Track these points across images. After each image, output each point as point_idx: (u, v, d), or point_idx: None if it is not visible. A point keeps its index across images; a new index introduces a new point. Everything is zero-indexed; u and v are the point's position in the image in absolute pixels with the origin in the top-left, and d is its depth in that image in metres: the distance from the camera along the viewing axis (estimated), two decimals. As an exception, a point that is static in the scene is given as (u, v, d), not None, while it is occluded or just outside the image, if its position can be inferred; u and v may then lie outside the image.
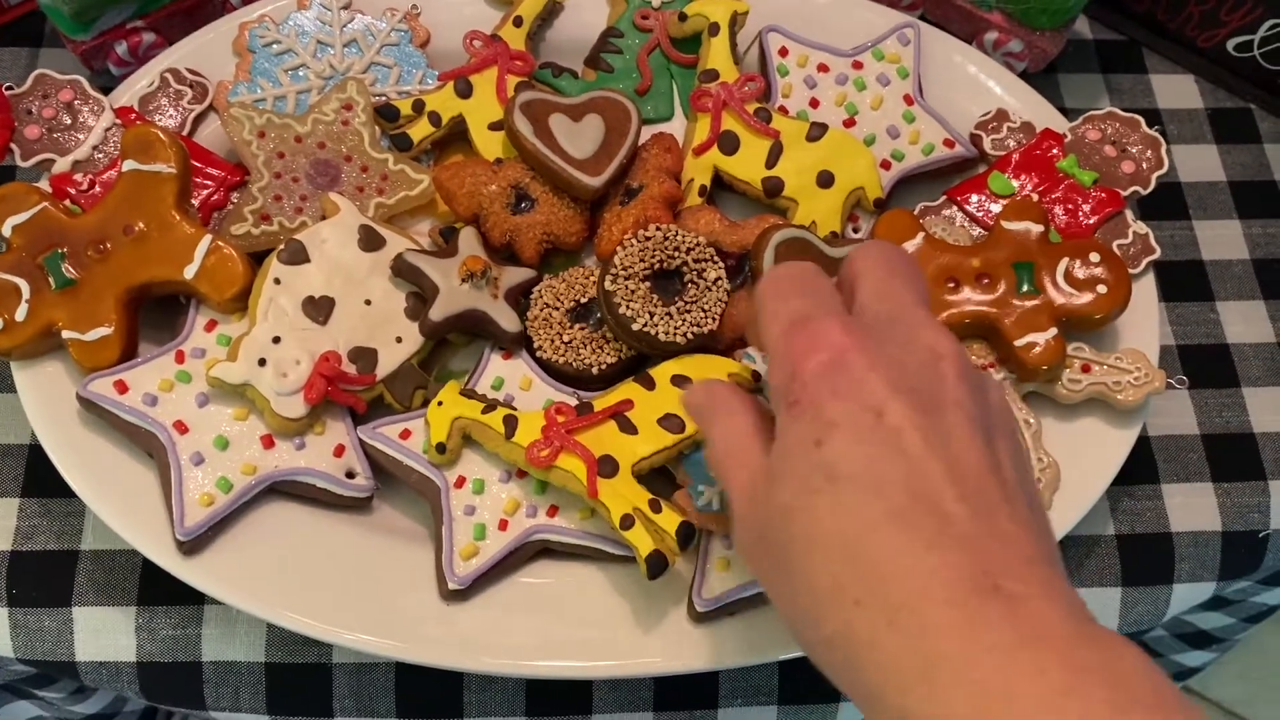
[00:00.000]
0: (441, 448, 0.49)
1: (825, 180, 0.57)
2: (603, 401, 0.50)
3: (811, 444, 0.32)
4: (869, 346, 0.33)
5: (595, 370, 0.53)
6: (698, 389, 0.42)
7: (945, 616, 0.29)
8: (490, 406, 0.50)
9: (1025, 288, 0.54)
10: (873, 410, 0.32)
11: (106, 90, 0.56)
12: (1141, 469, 0.58)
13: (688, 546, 0.47)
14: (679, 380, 0.51)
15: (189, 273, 0.50)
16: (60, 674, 0.52)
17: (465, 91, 0.58)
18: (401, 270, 0.52)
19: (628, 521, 0.47)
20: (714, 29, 0.59)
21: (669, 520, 0.47)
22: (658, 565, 0.46)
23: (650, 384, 0.51)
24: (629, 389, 0.51)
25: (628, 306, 0.51)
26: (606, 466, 0.48)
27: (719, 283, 0.52)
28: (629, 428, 0.49)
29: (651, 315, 0.51)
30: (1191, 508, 0.57)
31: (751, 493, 0.36)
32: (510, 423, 0.49)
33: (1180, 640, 0.69)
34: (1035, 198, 0.57)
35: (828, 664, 0.32)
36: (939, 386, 0.33)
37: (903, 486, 0.31)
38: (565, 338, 0.53)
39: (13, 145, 0.53)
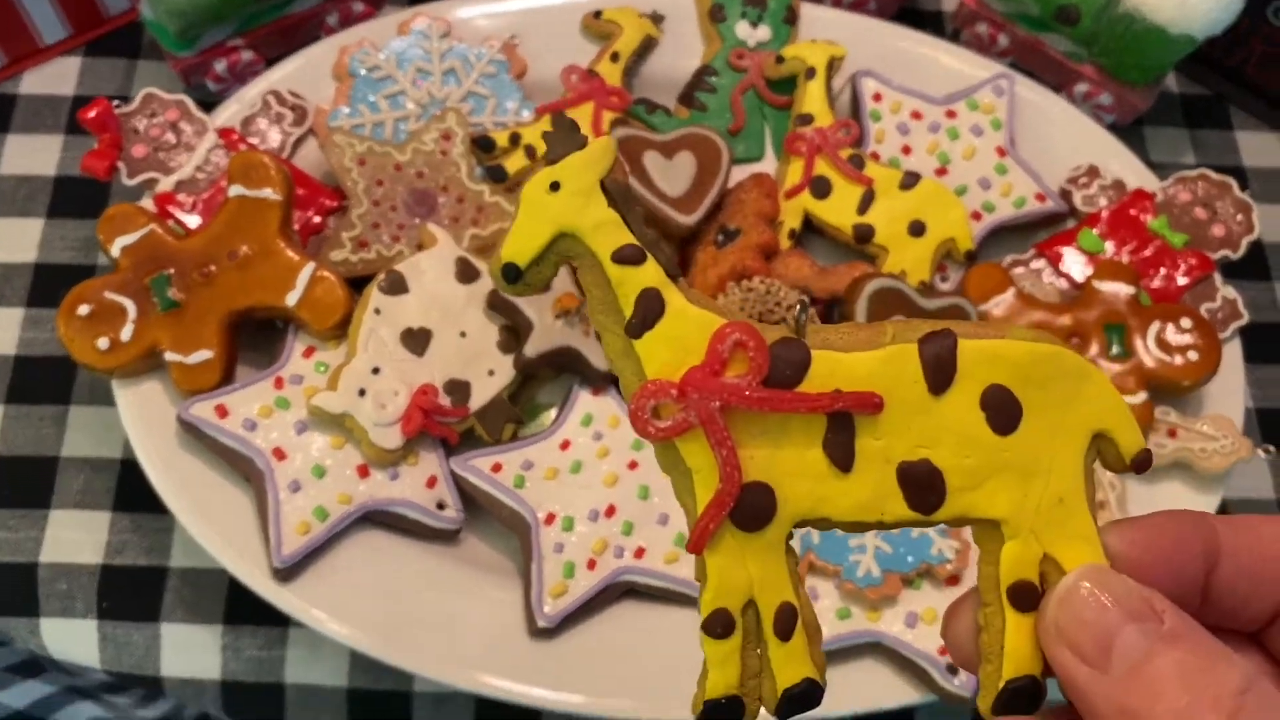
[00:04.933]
0: (514, 272, 0.27)
1: (916, 229, 0.57)
2: (820, 374, 0.25)
3: None
4: None
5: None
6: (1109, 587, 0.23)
7: None
8: (637, 254, 0.26)
9: (1116, 350, 0.54)
10: None
11: (204, 105, 0.57)
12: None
13: (789, 716, 0.27)
14: (1003, 408, 0.26)
15: (291, 300, 0.51)
16: (144, 688, 0.53)
17: (561, 125, 0.58)
18: (497, 305, 0.53)
19: (717, 624, 0.26)
20: (810, 73, 0.59)
21: (786, 662, 0.26)
22: (717, 715, 0.26)
23: (944, 377, 0.26)
24: (889, 367, 0.26)
25: (722, 352, 0.51)
26: (747, 508, 0.25)
27: None
28: (843, 452, 0.26)
29: (744, 362, 0.51)
30: (1266, 573, 0.57)
31: None
32: (650, 306, 0.26)
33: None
34: (1125, 258, 0.57)
35: None
36: None
37: None
38: (655, 377, 0.53)
39: (119, 163, 0.54)
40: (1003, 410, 0.25)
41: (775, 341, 0.26)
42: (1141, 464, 0.26)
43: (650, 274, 0.26)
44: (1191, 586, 0.24)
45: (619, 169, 0.27)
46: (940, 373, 0.25)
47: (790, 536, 0.26)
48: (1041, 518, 0.25)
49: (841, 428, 0.25)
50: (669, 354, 0.26)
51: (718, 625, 0.26)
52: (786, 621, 0.26)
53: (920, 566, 0.49)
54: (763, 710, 0.27)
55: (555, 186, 0.26)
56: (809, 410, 0.25)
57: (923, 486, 0.25)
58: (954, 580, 0.50)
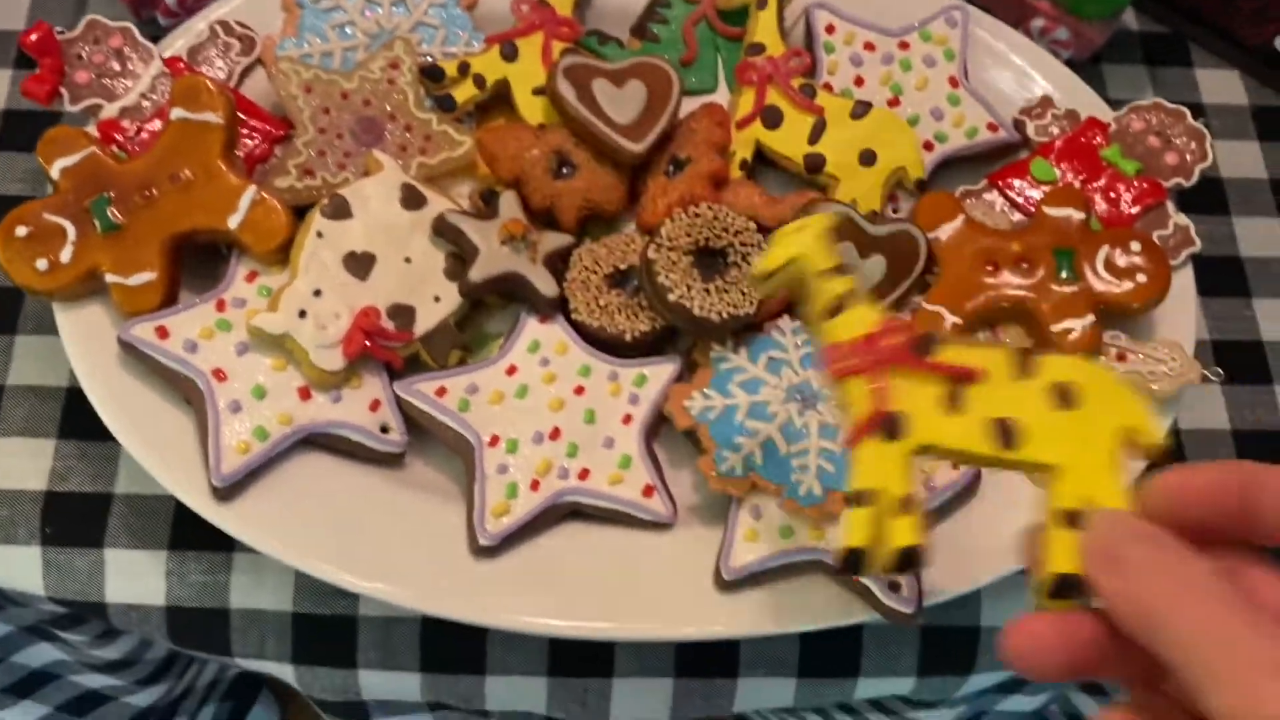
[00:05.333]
0: (768, 275, 0.42)
1: (867, 158, 0.57)
2: (952, 353, 0.38)
3: None
4: None
5: (628, 337, 0.53)
6: (1119, 523, 0.31)
7: None
8: (840, 273, 0.40)
9: (1064, 274, 0.54)
10: None
11: (154, 39, 0.56)
12: (1171, 462, 0.57)
13: (900, 570, 0.38)
14: (1064, 394, 0.37)
15: (233, 222, 0.51)
16: (90, 615, 0.53)
17: (510, 55, 0.58)
18: (442, 230, 0.53)
19: (862, 498, 0.36)
20: (762, 2, 0.59)
21: (902, 532, 0.36)
22: (853, 565, 0.36)
23: (1028, 369, 0.38)
24: (992, 358, 0.38)
25: (667, 276, 0.51)
26: (892, 426, 0.37)
27: None
28: (956, 402, 0.37)
29: (689, 289, 0.51)
30: (1219, 502, 0.57)
31: None
32: (842, 303, 0.40)
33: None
34: (1078, 185, 0.57)
35: None
36: None
37: None
38: (601, 302, 0.53)
39: (62, 89, 0.53)
40: (1065, 397, 0.37)
41: (919, 332, 0.38)
42: (1157, 454, 0.37)
43: (845, 284, 0.40)
44: (1231, 517, 0.31)
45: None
46: (1025, 367, 0.38)
47: (917, 452, 0.37)
48: (1084, 471, 0.35)
49: (956, 388, 0.37)
50: (848, 331, 0.39)
51: (862, 499, 0.36)
52: (905, 506, 0.36)
53: (864, 485, 0.49)
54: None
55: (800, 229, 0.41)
56: (933, 371, 0.38)
57: (1006, 432, 0.37)
58: (898, 500, 0.50)
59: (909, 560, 0.36)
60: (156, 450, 0.48)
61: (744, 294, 0.51)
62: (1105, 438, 0.36)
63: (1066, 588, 0.33)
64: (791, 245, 0.41)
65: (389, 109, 0.56)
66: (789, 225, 0.41)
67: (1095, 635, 0.31)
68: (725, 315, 0.51)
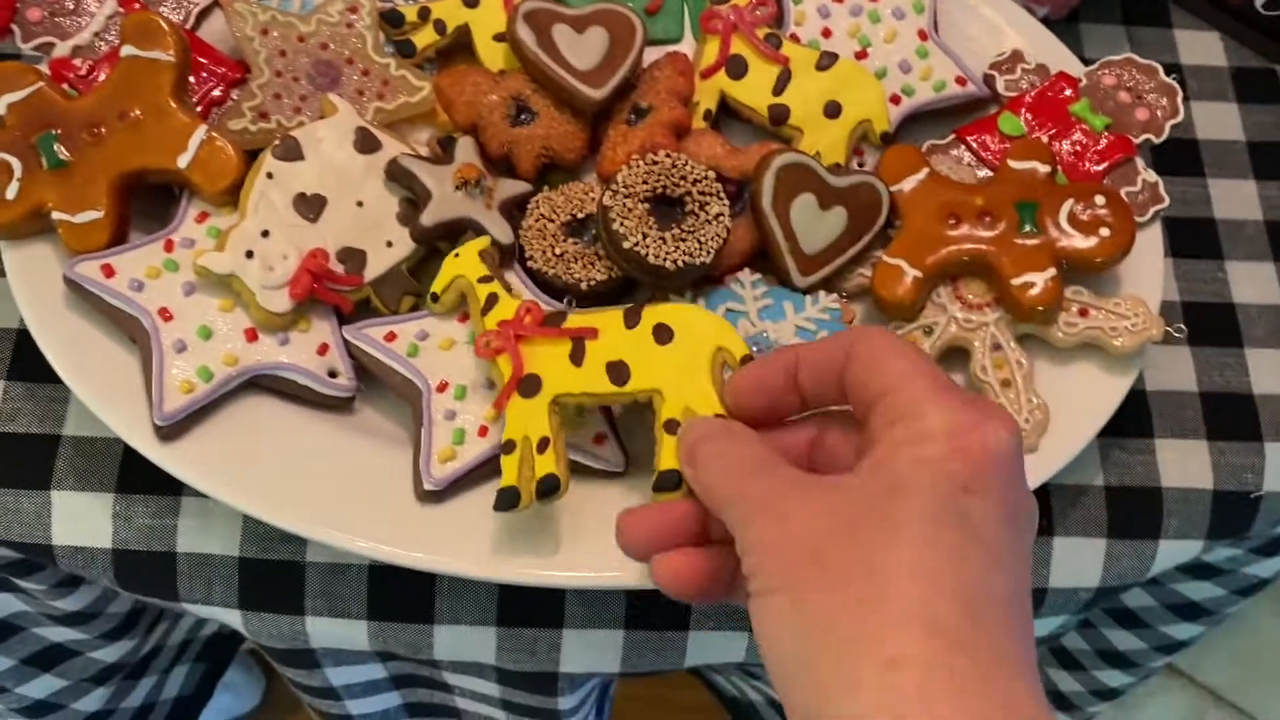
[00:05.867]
0: (435, 297, 0.50)
1: (832, 110, 0.56)
2: (576, 319, 0.48)
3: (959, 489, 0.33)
4: None
5: (584, 286, 0.52)
6: (698, 426, 0.42)
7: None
8: (489, 279, 0.49)
9: (1027, 227, 0.53)
10: None
11: (112, -20, 0.56)
12: (1136, 422, 0.57)
13: (542, 499, 0.45)
14: (662, 333, 0.47)
15: (182, 161, 0.50)
16: (37, 558, 0.52)
17: (472, 1, 0.57)
18: (395, 174, 0.52)
19: (509, 446, 0.46)
20: (729, -49, 0.58)
21: (543, 466, 0.45)
22: (506, 500, 0.45)
23: (634, 321, 0.47)
24: (607, 318, 0.47)
25: (622, 224, 0.50)
26: (529, 385, 0.46)
27: (720, 218, 0.51)
28: (578, 357, 0.47)
29: (645, 236, 0.50)
30: (1184, 465, 0.56)
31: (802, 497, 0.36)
32: (490, 301, 0.48)
33: (1170, 611, 0.69)
34: (1045, 140, 0.56)
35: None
36: None
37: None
38: (558, 250, 0.53)
39: (14, 26, 0.53)
40: (661, 335, 0.47)
41: (550, 311, 0.49)
42: (747, 361, 0.46)
43: (490, 288, 0.49)
44: (785, 396, 0.41)
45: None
46: (631, 320, 0.47)
47: (553, 403, 0.47)
48: (682, 387, 0.45)
49: (578, 345, 0.47)
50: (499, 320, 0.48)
51: (509, 447, 0.46)
52: (541, 445, 0.46)
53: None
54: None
55: (456, 255, 0.51)
56: (559, 336, 0.47)
57: (619, 371, 0.46)
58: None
59: (549, 487, 0.45)
60: (101, 390, 0.48)
61: (700, 243, 0.51)
62: (700, 359, 0.46)
63: (668, 481, 0.43)
64: (454, 266, 0.50)
65: (347, 53, 0.55)
66: (452, 251, 0.50)
67: (686, 513, 0.41)
68: (681, 263, 0.50)
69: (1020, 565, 0.34)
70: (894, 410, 0.35)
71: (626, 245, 0.50)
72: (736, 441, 0.39)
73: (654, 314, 0.47)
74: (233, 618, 0.52)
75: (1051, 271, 0.52)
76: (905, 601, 0.31)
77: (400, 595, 0.51)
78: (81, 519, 0.51)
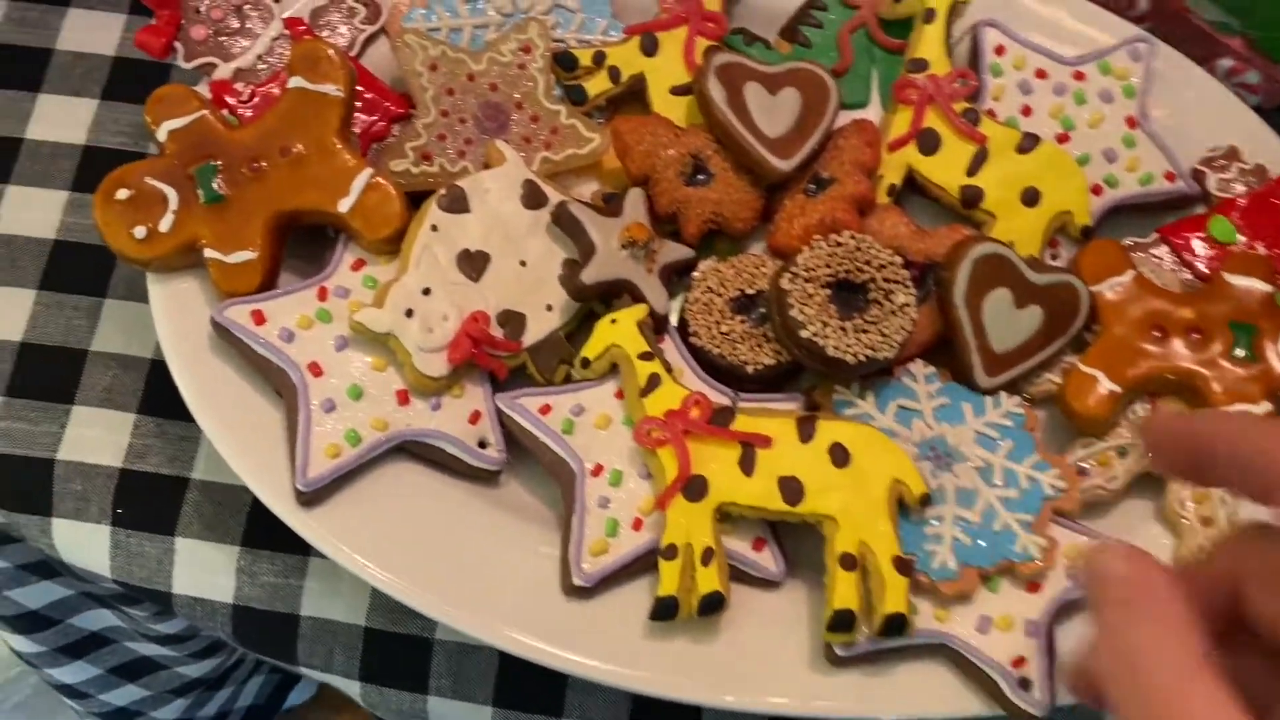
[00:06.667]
0: (586, 362, 0.47)
1: (1030, 198, 0.52)
2: (746, 421, 0.45)
3: None
4: None
5: (750, 369, 0.49)
6: (1111, 558, 0.27)
7: None
8: (650, 356, 0.46)
9: (1241, 352, 0.48)
10: None
11: (275, -2, 0.53)
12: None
13: (704, 615, 0.43)
14: (839, 454, 0.44)
15: (343, 206, 0.47)
16: (154, 602, 0.50)
17: (650, 49, 0.54)
18: (561, 219, 0.49)
19: (670, 552, 0.43)
20: (929, 15, 0.54)
21: (706, 580, 0.43)
22: (665, 611, 0.43)
23: (808, 434, 0.45)
24: (780, 427, 0.45)
25: (801, 310, 0.46)
26: (695, 488, 0.44)
27: (906, 310, 0.47)
28: (749, 465, 0.44)
29: (824, 325, 0.46)
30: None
31: None
32: (652, 383, 0.46)
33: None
34: (1263, 252, 0.52)
35: None
36: None
37: None
38: (724, 328, 0.49)
39: (177, 44, 0.50)
40: (838, 456, 0.44)
41: (718, 406, 0.46)
42: (925, 501, 0.45)
43: (653, 367, 0.46)
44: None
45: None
46: (805, 433, 0.45)
47: (718, 511, 0.44)
48: (858, 519, 0.44)
49: (749, 452, 0.45)
50: (660, 408, 0.45)
51: (669, 552, 0.43)
52: (706, 557, 0.43)
53: (1001, 563, 0.45)
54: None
55: (613, 321, 0.47)
56: (730, 439, 0.45)
57: (792, 490, 0.44)
58: (1035, 587, 0.45)
59: (712, 604, 0.43)
60: (240, 443, 0.45)
61: (884, 336, 0.47)
62: (877, 491, 0.44)
63: (844, 623, 0.42)
64: (610, 334, 0.47)
65: (517, 96, 0.52)
66: (606, 316, 0.47)
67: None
68: (862, 358, 0.46)
69: None
70: None
71: (804, 334, 0.46)
72: (1169, 627, 0.26)
73: (830, 431, 0.45)
74: (351, 688, 0.49)
75: (1266, 405, 0.47)
76: None
77: (530, 685, 0.48)
78: (204, 569, 0.49)
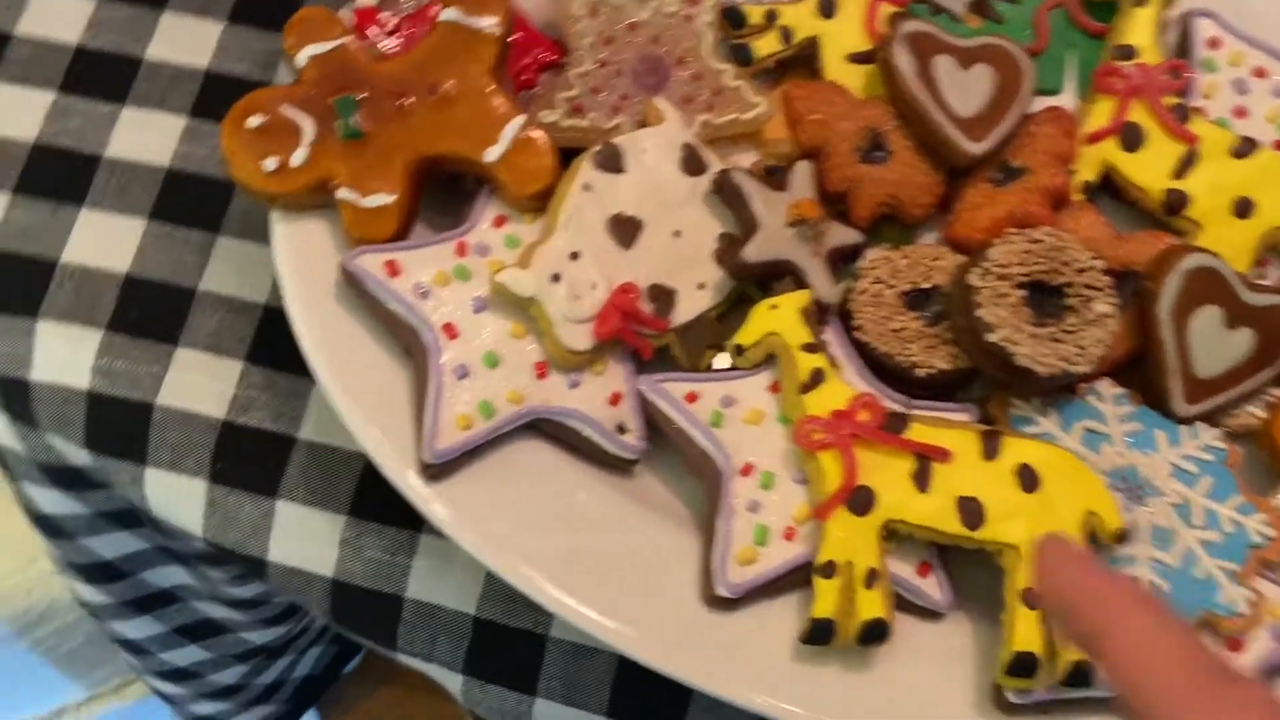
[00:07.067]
0: (740, 349, 0.43)
1: (1243, 208, 0.46)
2: (921, 431, 0.41)
3: None
4: None
5: (921, 373, 0.44)
6: (1083, 576, 0.28)
7: None
8: (814, 348, 0.42)
9: None
10: None
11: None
12: None
13: (865, 644, 0.39)
14: (1027, 476, 0.40)
15: (491, 155, 0.43)
16: (244, 567, 0.46)
17: (829, 10, 0.49)
18: (724, 189, 0.44)
19: (828, 569, 0.39)
20: (1142, -2, 0.48)
21: (869, 606, 0.38)
22: (820, 635, 0.39)
23: (992, 451, 0.40)
24: (960, 439, 0.41)
25: (992, 312, 0.41)
26: (860, 501, 0.39)
27: (1106, 320, 0.42)
28: (923, 480, 0.40)
29: (1016, 330, 0.41)
30: None
31: None
32: (815, 378, 0.41)
33: None
34: None
35: None
36: None
37: None
38: (894, 325, 0.44)
39: (320, -35, 0.46)
40: (1028, 479, 0.40)
41: (891, 411, 0.41)
42: (1121, 537, 0.40)
43: (817, 361, 0.41)
44: None
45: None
46: (990, 449, 0.40)
47: (884, 528, 0.39)
48: None
49: (924, 466, 0.40)
50: (822, 406, 0.41)
51: (827, 570, 0.39)
52: (869, 579, 0.39)
53: (1202, 615, 0.39)
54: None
55: (774, 307, 0.43)
56: (904, 448, 0.40)
57: (971, 512, 0.39)
58: (1237, 644, 0.40)
59: (874, 633, 0.38)
60: (360, 404, 0.41)
61: (1081, 348, 0.42)
62: (1066, 520, 0.39)
63: (1025, 666, 0.37)
64: (769, 320, 0.42)
65: (679, 52, 0.47)
66: (766, 301, 0.43)
67: None
68: (1055, 370, 0.41)
69: None
70: None
71: (992, 338, 0.41)
72: (1164, 627, 0.27)
73: (1017, 450, 0.41)
74: (452, 681, 0.45)
75: None
76: None
77: (648, 696, 0.44)
78: (305, 538, 0.45)
